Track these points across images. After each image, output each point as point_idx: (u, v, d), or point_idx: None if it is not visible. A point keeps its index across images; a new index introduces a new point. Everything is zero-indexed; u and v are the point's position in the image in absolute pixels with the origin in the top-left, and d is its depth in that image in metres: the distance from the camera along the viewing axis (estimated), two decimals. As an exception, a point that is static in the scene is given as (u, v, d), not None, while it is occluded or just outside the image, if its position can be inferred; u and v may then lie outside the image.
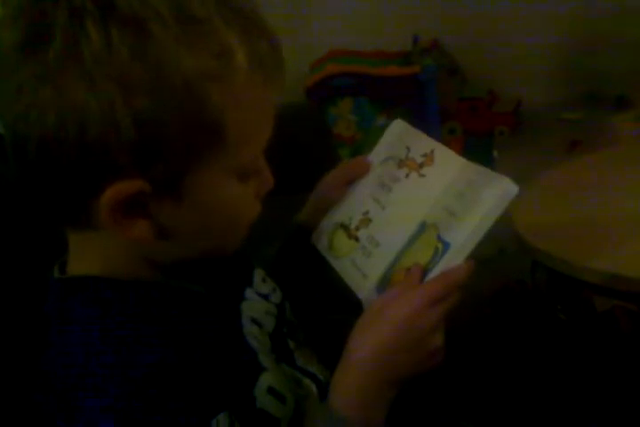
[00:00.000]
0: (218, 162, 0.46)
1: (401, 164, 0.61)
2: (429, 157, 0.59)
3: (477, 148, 2.37)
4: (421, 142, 0.61)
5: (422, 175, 0.59)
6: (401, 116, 2.63)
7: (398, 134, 0.64)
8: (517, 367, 0.96)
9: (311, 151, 1.52)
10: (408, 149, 0.61)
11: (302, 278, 0.73)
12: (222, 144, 0.46)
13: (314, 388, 0.60)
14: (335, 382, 0.53)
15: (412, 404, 0.65)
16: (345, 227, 0.63)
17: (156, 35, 0.41)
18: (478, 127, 2.53)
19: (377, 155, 0.65)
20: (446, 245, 0.53)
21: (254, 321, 0.60)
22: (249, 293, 0.63)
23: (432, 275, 0.53)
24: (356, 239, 0.61)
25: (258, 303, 0.63)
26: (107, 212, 0.45)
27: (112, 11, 0.41)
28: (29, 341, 0.52)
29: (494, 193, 0.51)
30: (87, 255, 0.52)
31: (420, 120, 2.42)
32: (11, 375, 0.65)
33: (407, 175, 0.60)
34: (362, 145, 2.40)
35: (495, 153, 2.31)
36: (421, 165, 0.59)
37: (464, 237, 0.52)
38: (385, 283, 0.57)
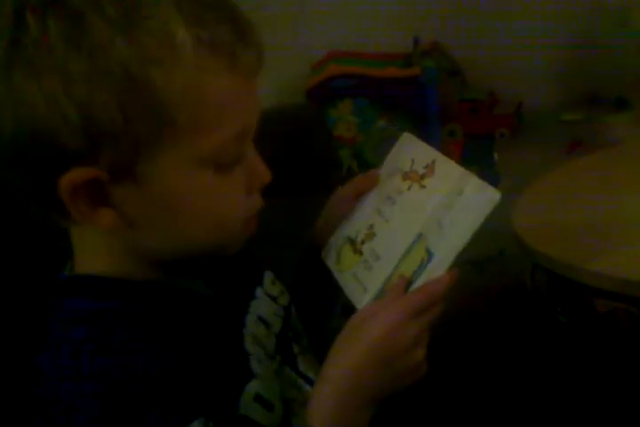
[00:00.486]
0: (175, 149, 0.46)
1: (405, 176, 0.61)
2: (430, 168, 0.59)
3: (478, 150, 2.37)
4: (424, 153, 0.61)
5: (423, 186, 0.59)
6: (401, 117, 2.62)
7: (405, 147, 0.64)
8: (517, 371, 0.96)
9: (312, 153, 1.52)
10: (412, 160, 0.62)
11: (318, 298, 0.72)
12: (174, 130, 0.45)
13: None
14: (312, 396, 0.52)
15: (399, 416, 0.64)
16: (351, 241, 0.63)
17: (91, 23, 0.42)
18: (479, 129, 2.53)
19: (386, 168, 0.65)
20: (430, 256, 0.53)
21: (262, 320, 0.60)
22: (259, 292, 0.63)
23: (414, 286, 0.52)
24: (360, 253, 0.62)
25: (267, 304, 0.62)
26: (67, 200, 0.45)
27: (53, 3, 0.42)
28: (31, 338, 0.52)
29: (476, 202, 0.52)
30: (89, 253, 0.52)
31: (421, 122, 2.42)
32: (10, 370, 0.65)
33: (409, 187, 0.60)
34: (362, 147, 2.40)
35: (496, 155, 2.31)
36: (423, 177, 0.60)
37: (447, 247, 0.52)
38: (381, 295, 0.57)
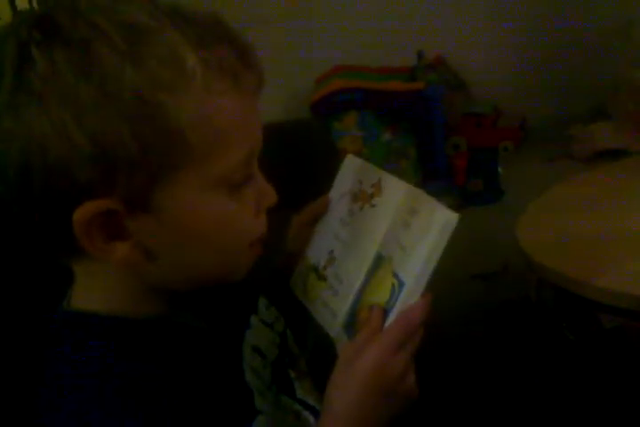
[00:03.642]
0: (189, 174, 0.45)
1: (355, 197, 0.62)
2: (377, 187, 0.60)
3: (482, 163, 2.37)
4: (370, 173, 0.62)
5: (373, 205, 0.60)
6: (405, 130, 2.61)
7: (351, 169, 0.65)
8: (523, 386, 0.95)
9: (316, 166, 1.52)
10: (360, 182, 0.62)
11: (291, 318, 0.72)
12: (189, 155, 0.44)
13: (312, 420, 0.59)
14: None
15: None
16: (315, 268, 0.64)
17: (99, 53, 0.42)
18: (483, 143, 2.53)
19: (335, 191, 0.66)
20: (401, 283, 0.53)
21: (256, 351, 0.59)
22: (254, 320, 0.62)
23: (391, 316, 0.53)
24: (325, 279, 0.62)
25: (262, 332, 0.62)
26: (82, 234, 0.44)
27: (56, 36, 0.42)
28: (28, 376, 0.51)
29: (436, 225, 0.52)
30: (89, 288, 0.51)
31: (425, 135, 2.43)
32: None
33: (361, 208, 0.61)
34: (367, 160, 2.41)
35: (500, 169, 2.31)
36: (372, 196, 0.60)
37: (415, 273, 0.52)
38: (351, 320, 0.57)
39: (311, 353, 0.68)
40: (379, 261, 0.56)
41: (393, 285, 0.54)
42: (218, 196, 0.47)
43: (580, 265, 0.99)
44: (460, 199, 2.19)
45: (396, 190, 0.57)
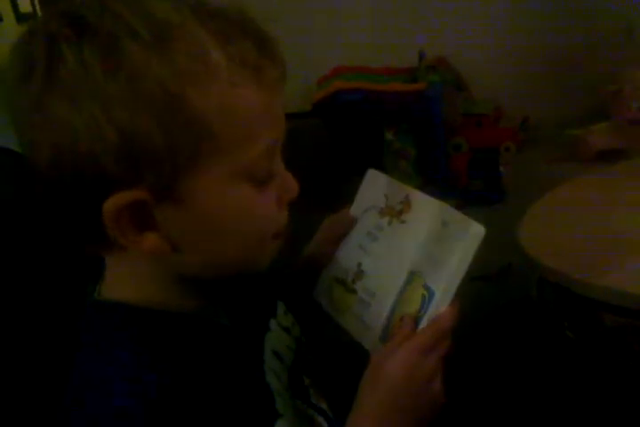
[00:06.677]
0: (215, 165, 0.46)
1: (382, 212, 0.63)
2: (406, 204, 0.61)
3: (483, 164, 2.37)
4: (396, 189, 0.63)
5: (403, 221, 0.61)
6: (407, 131, 2.61)
7: (374, 184, 0.66)
8: (524, 385, 0.95)
9: (317, 166, 1.52)
10: (386, 196, 0.63)
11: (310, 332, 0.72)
12: (214, 146, 0.46)
13: (326, 425, 0.60)
14: None
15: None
16: (342, 281, 0.65)
17: (126, 48, 0.43)
18: (484, 143, 2.53)
19: (358, 206, 0.66)
20: (431, 293, 0.55)
21: (276, 354, 0.60)
22: (273, 324, 0.63)
23: (422, 323, 0.54)
24: (354, 292, 0.63)
25: (280, 336, 0.62)
26: (112, 226, 0.45)
27: (85, 31, 0.43)
28: (61, 361, 0.51)
29: (466, 238, 0.53)
30: (120, 279, 0.52)
31: (426, 136, 2.43)
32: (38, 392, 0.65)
33: (390, 223, 0.62)
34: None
35: (502, 169, 2.31)
36: (400, 212, 0.61)
37: (445, 283, 0.54)
38: (387, 333, 0.58)
39: (318, 361, 0.68)
40: (411, 275, 0.57)
41: (423, 295, 0.55)
42: (241, 187, 0.48)
43: (583, 265, 0.99)
44: (461, 200, 2.19)
45: (427, 207, 0.58)
